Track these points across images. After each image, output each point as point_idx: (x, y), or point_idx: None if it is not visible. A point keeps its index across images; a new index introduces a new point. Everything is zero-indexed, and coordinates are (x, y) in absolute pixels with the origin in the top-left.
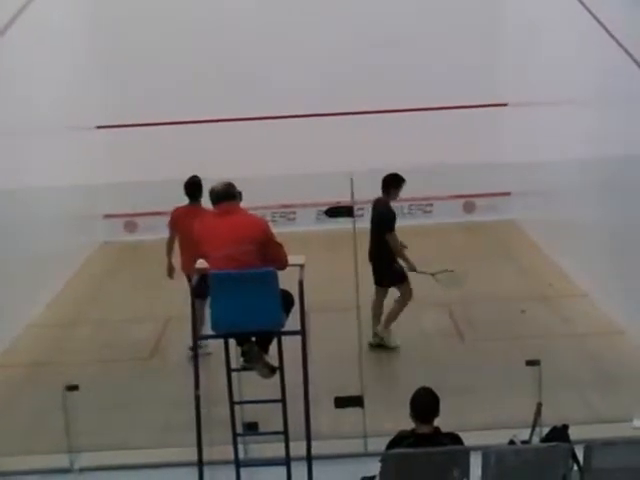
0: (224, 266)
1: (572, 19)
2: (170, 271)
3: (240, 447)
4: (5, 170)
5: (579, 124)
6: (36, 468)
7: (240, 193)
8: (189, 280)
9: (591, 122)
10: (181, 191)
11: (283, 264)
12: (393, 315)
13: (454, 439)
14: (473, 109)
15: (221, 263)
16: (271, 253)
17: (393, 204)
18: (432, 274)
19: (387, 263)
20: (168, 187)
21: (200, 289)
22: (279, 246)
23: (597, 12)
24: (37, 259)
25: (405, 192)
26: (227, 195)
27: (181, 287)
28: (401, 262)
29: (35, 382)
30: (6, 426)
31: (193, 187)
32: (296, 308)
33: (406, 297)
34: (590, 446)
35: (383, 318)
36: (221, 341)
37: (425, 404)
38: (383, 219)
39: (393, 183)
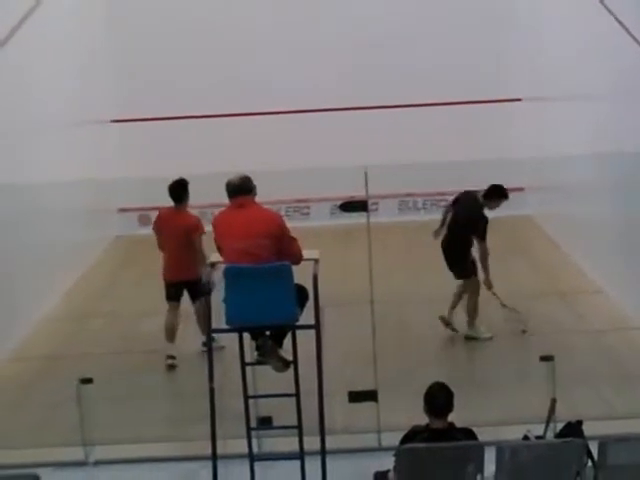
0: (238, 260)
1: (585, 13)
2: None
3: (254, 441)
4: (20, 164)
5: (594, 119)
6: (51, 461)
7: (254, 187)
8: (168, 286)
9: (606, 117)
10: (195, 185)
11: (297, 259)
12: (473, 310)
13: (468, 434)
14: (487, 104)
15: (236, 257)
16: (286, 248)
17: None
18: (503, 305)
19: (462, 256)
20: None
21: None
22: (294, 241)
23: (611, 6)
24: (51, 253)
25: (419, 187)
26: (243, 189)
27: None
28: (481, 272)
29: (49, 375)
30: (21, 419)
31: (178, 189)
32: (310, 302)
33: (474, 292)
34: (604, 442)
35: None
36: (235, 335)
37: (439, 399)
38: (478, 224)
39: (497, 194)
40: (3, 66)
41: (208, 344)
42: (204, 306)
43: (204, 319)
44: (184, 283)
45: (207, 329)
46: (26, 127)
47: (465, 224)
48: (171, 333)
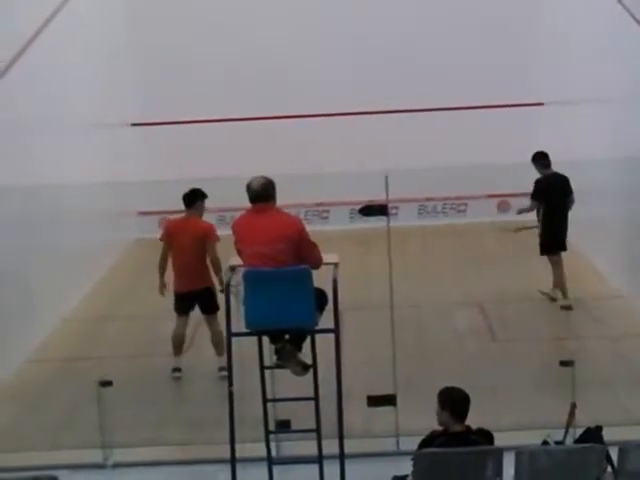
0: (259, 264)
1: (608, 18)
2: (162, 288)
3: (272, 445)
4: (40, 166)
5: (615, 123)
6: (70, 463)
7: (275, 193)
8: (180, 298)
9: (627, 121)
10: (215, 188)
11: (317, 264)
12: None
13: (485, 435)
14: (508, 108)
15: (256, 261)
16: (305, 252)
17: None
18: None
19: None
20: (202, 185)
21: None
22: (313, 246)
23: (634, 10)
24: (72, 255)
25: (439, 191)
26: (263, 196)
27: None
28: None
29: (68, 377)
30: (40, 420)
31: (192, 196)
32: (330, 306)
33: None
34: (624, 448)
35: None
36: (254, 338)
37: (462, 403)
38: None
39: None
40: (25, 69)
41: (228, 347)
42: (220, 330)
43: (223, 342)
44: (196, 295)
45: (227, 332)
46: (47, 129)
47: (566, 198)
48: (180, 345)
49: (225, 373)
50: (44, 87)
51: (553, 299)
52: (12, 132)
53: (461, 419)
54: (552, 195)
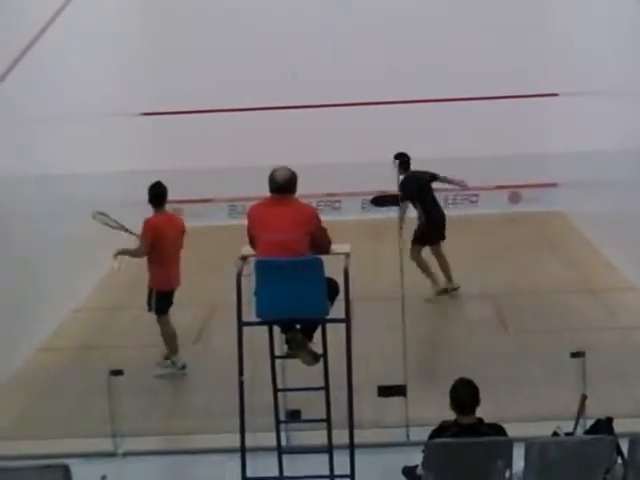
0: (275, 253)
1: (623, 8)
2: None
3: (282, 434)
4: (52, 156)
5: (630, 115)
6: (80, 451)
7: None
8: (167, 297)
9: None
10: (227, 177)
11: (328, 247)
12: None
13: (497, 430)
14: (522, 99)
15: (270, 248)
16: (318, 238)
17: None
18: None
19: None
20: (215, 174)
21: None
22: (324, 230)
23: None
24: (84, 244)
25: None
26: (286, 189)
27: (229, 273)
28: None
29: (80, 366)
30: (51, 409)
31: (161, 192)
32: (341, 296)
33: None
34: (635, 439)
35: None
36: (265, 328)
37: (464, 396)
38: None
39: None
40: (36, 60)
41: (239, 337)
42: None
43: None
44: (173, 291)
45: (238, 322)
46: (58, 119)
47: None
48: (176, 343)
49: (161, 371)
50: (55, 77)
51: (445, 290)
52: (23, 122)
53: (468, 411)
54: (421, 189)
